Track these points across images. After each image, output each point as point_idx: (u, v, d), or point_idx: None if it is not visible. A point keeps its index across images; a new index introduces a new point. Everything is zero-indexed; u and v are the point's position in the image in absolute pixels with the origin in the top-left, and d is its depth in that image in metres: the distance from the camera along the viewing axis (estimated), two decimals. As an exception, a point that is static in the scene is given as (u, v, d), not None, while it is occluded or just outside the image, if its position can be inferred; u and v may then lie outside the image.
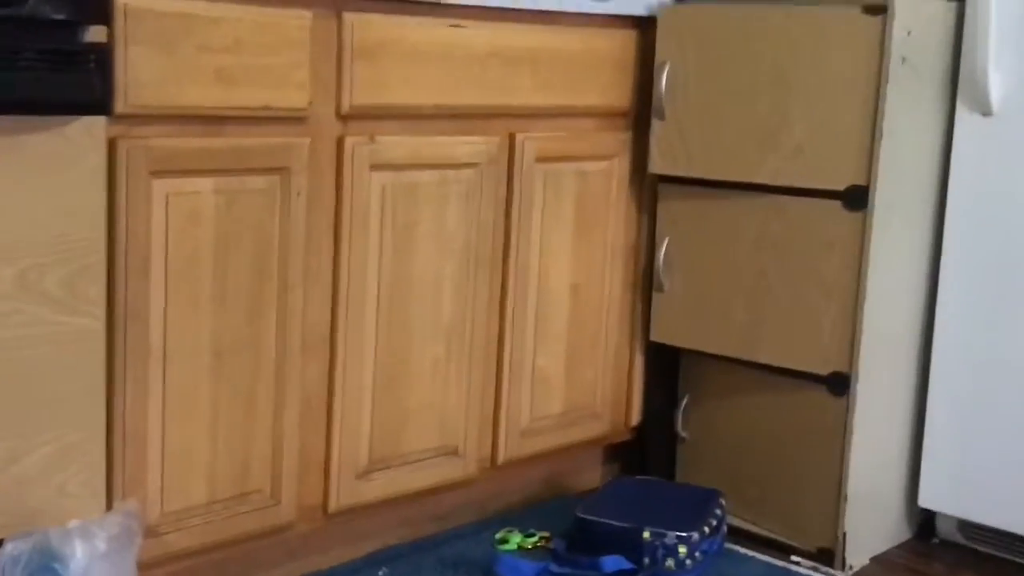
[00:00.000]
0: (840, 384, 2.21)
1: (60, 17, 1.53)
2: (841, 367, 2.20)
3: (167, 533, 1.80)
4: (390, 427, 2.09)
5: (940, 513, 2.39)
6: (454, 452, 2.20)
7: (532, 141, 2.23)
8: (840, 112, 2.15)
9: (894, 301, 2.25)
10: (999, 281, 2.22)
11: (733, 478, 2.39)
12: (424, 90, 2.04)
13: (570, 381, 2.39)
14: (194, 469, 1.82)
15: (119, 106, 1.65)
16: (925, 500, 2.35)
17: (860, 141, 2.14)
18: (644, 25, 2.37)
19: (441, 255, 2.12)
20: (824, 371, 2.22)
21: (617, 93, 2.37)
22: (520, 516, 2.35)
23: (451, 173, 2.10)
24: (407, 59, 2.00)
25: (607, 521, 2.15)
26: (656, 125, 2.37)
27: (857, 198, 2.16)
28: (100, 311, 1.66)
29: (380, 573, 2.08)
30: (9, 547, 1.54)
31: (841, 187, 2.17)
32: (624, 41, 2.36)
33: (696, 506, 2.22)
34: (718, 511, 2.23)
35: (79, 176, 1.61)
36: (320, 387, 1.98)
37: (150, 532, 1.75)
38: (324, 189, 1.94)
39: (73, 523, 1.59)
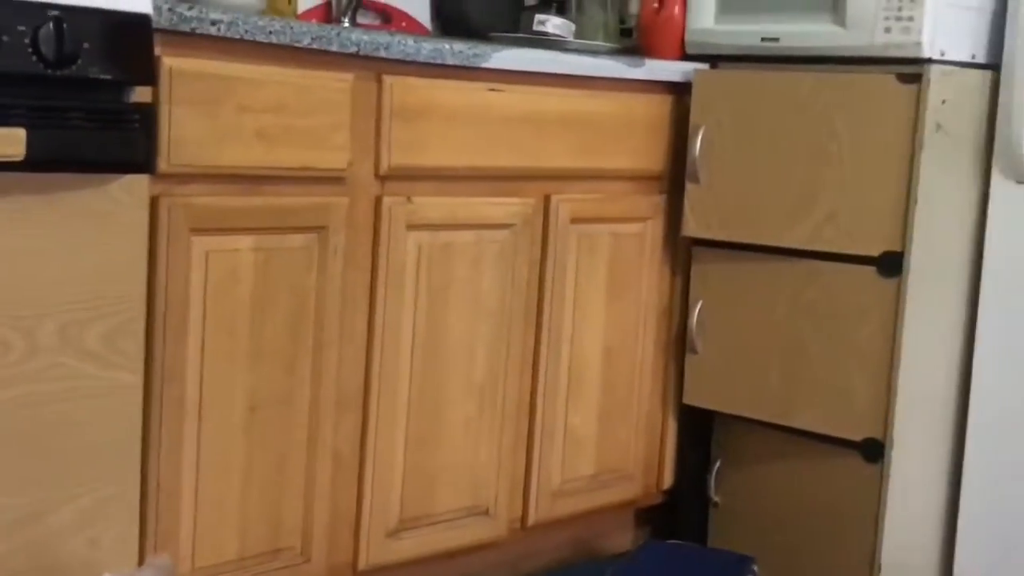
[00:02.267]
0: (874, 450, 2.19)
1: (107, 78, 1.57)
2: (875, 433, 2.19)
3: (197, 588, 1.80)
4: (421, 486, 2.09)
5: (976, 584, 2.35)
6: (485, 512, 2.20)
7: (566, 203, 2.24)
8: (874, 178, 2.16)
9: (929, 368, 2.24)
10: (1036, 349, 2.20)
11: (766, 544, 2.37)
12: (461, 152, 2.06)
13: (602, 443, 2.39)
14: (226, 524, 1.83)
15: (162, 165, 1.69)
16: (960, 570, 2.31)
17: (894, 207, 2.14)
18: (678, 90, 2.40)
19: (474, 315, 2.13)
20: (858, 437, 2.21)
21: (651, 156, 2.39)
22: (550, 578, 2.34)
23: (486, 233, 2.12)
24: (445, 121, 2.03)
25: (637, 585, 2.13)
26: (690, 188, 2.38)
27: (892, 264, 2.15)
28: (138, 366, 1.68)
29: (408, 633, 2.07)
30: (41, 599, 1.54)
31: (875, 253, 2.17)
32: (658, 105, 2.38)
33: (728, 572, 2.20)
34: (750, 577, 2.20)
35: (121, 233, 1.64)
36: (352, 445, 1.99)
37: (181, 587, 1.75)
38: (361, 248, 1.96)
39: (105, 576, 1.60)
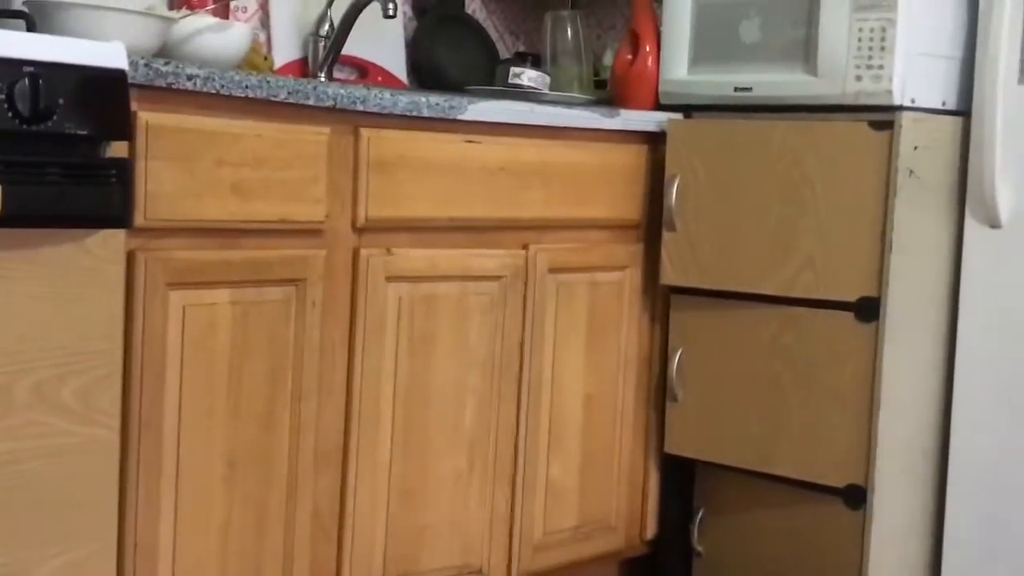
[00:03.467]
0: (856, 497, 2.18)
1: (83, 133, 1.57)
2: (857, 479, 2.18)
3: (176, 649, 1.77)
4: (405, 543, 2.06)
5: (962, 630, 2.34)
6: (478, 571, 2.17)
7: (545, 252, 2.25)
8: (849, 224, 2.18)
9: (909, 412, 2.24)
10: (1013, 390, 2.21)
11: (750, 593, 2.35)
12: (439, 203, 2.07)
13: (584, 493, 2.37)
14: (204, 583, 1.80)
15: (138, 219, 1.68)
16: (947, 616, 2.30)
17: (870, 253, 2.16)
18: (654, 139, 2.41)
19: (462, 366, 2.12)
20: (840, 483, 2.20)
21: (628, 205, 2.40)
22: (534, 632, 2.31)
23: (471, 285, 2.12)
24: (421, 173, 2.04)
25: (622, 637, 2.11)
26: (667, 237, 2.39)
27: (868, 309, 2.16)
28: (115, 422, 1.66)
29: None
30: (16, 663, 1.51)
31: (852, 298, 2.18)
32: (634, 155, 2.40)
33: (713, 622, 2.18)
34: (735, 627, 2.18)
35: (97, 288, 1.63)
36: (332, 500, 1.97)
37: (158, 648, 1.72)
38: (339, 300, 1.96)
39: (81, 638, 1.56)
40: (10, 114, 1.50)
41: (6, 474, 1.55)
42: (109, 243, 1.63)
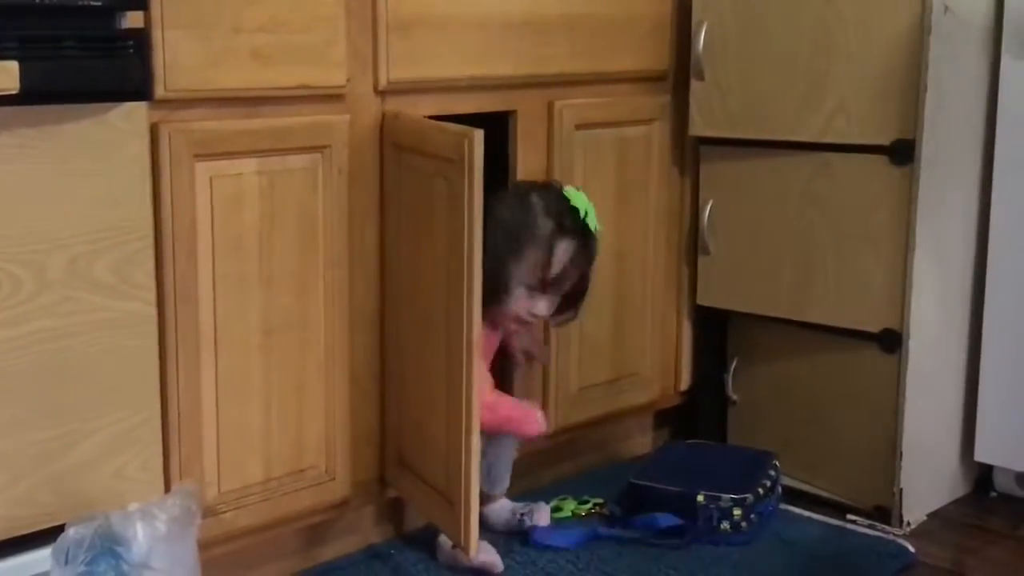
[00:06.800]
0: (892, 341, 2.19)
1: (97, 4, 1.54)
2: (892, 324, 2.18)
3: (225, 512, 1.82)
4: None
5: (997, 467, 2.36)
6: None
7: (570, 108, 2.21)
8: (883, 66, 2.12)
9: (944, 255, 2.22)
10: (1051, 230, 2.18)
11: (786, 439, 2.38)
12: (461, 62, 2.03)
13: (617, 347, 2.39)
14: (249, 447, 1.84)
15: (159, 91, 1.66)
16: (981, 454, 2.33)
17: (904, 94, 2.10)
18: (680, -14, 2.35)
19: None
20: (875, 328, 2.20)
21: (654, 56, 2.35)
22: (573, 484, 2.35)
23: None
24: (442, 31, 1.99)
25: (660, 486, 2.15)
26: (695, 86, 2.35)
27: (903, 152, 2.12)
28: (150, 295, 1.67)
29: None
30: (72, 532, 1.55)
31: (887, 142, 2.14)
32: (660, 2, 2.33)
33: (749, 468, 2.22)
34: (772, 472, 2.22)
35: (122, 162, 1.62)
36: (370, 364, 1.99)
37: (209, 512, 1.76)
38: (366, 166, 1.94)
39: (133, 506, 1.60)
40: (22, -13, 1.47)
41: (47, 350, 1.58)
42: (132, 116, 1.62)
